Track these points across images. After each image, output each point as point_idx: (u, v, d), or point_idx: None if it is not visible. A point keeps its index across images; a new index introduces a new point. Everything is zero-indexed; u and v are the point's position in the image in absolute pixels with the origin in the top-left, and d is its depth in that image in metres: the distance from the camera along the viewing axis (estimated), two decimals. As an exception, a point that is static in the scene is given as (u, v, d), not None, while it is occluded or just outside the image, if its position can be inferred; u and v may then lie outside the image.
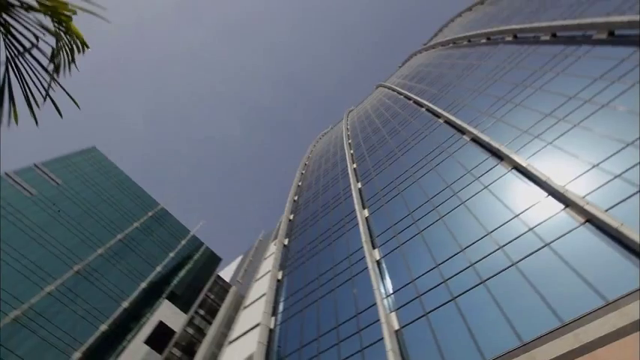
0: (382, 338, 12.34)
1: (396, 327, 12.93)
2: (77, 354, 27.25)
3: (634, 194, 10.01)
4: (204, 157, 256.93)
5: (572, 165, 12.46)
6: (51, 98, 4.00)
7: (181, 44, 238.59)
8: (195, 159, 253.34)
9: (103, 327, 30.33)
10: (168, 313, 36.85)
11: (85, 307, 30.20)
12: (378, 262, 16.86)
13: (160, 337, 34.40)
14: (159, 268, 40.01)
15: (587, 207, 10.38)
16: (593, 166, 11.71)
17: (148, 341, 32.86)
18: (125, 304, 33.40)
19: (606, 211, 10.07)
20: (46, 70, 3.93)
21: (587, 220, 10.53)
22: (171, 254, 43.23)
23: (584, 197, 10.88)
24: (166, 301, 37.83)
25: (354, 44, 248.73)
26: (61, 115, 4.46)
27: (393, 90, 42.80)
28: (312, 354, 15.43)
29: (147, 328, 33.63)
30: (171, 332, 35.81)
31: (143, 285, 36.54)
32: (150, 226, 43.69)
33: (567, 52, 18.34)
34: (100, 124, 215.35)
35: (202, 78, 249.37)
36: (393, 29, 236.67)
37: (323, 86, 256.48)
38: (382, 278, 15.72)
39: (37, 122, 3.95)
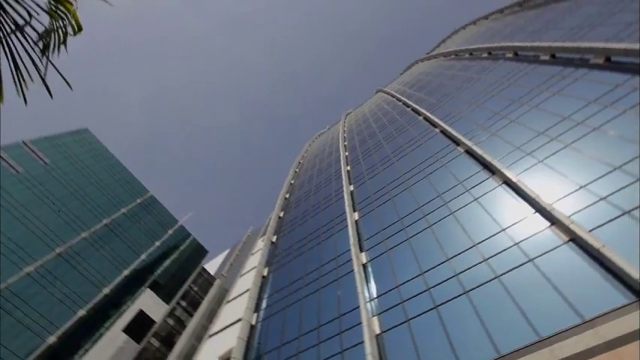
0: (363, 342, 12.40)
1: (377, 331, 13.00)
2: (52, 338, 26.73)
3: (617, 217, 10.26)
4: (199, 148, 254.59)
5: (561, 184, 12.71)
6: (42, 78, 3.90)
7: (183, 31, 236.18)
8: (189, 148, 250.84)
9: (82, 312, 29.80)
10: (149, 303, 36.40)
11: (64, 291, 29.65)
12: (365, 266, 16.93)
13: (140, 327, 33.95)
14: (143, 256, 39.50)
15: (571, 226, 10.59)
16: (581, 187, 11.96)
17: (127, 330, 32.40)
18: (106, 291, 32.88)
19: (590, 231, 10.30)
20: (40, 49, 3.84)
21: (571, 239, 10.75)
22: (157, 243, 42.72)
23: (569, 216, 11.11)
24: (148, 290, 37.36)
25: (357, 47, 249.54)
26: (51, 95, 4.36)
27: (393, 96, 43.04)
28: (291, 353, 15.42)
29: (126, 316, 33.17)
30: (151, 322, 35.39)
31: (126, 272, 36.02)
32: (137, 213, 43.10)
33: (565, 73, 18.69)
34: (94, 104, 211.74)
35: (202, 67, 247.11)
36: (398, 36, 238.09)
37: (323, 87, 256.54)
38: (367, 282, 15.79)
39: (25, 102, 3.85)
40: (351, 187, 26.39)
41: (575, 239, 10.62)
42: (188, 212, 51.91)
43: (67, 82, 4.66)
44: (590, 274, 9.64)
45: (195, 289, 44.86)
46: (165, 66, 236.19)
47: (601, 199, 11.10)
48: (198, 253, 48.98)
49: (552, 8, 28.78)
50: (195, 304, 43.00)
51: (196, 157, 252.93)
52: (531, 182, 13.58)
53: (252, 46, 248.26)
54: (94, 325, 30.53)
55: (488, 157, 16.15)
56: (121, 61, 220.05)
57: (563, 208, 11.60)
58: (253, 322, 20.00)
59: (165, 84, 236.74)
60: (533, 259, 11.11)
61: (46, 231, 31.74)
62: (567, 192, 12.20)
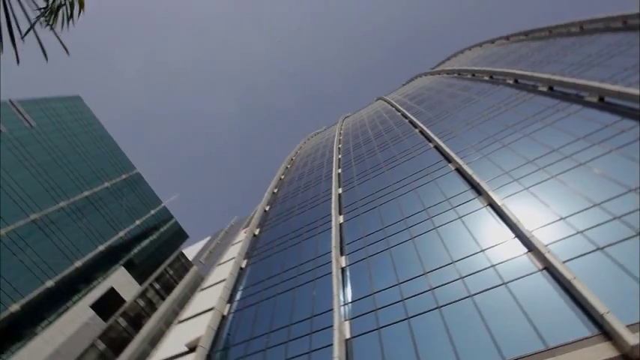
0: (332, 344, 12.46)
1: (348, 336, 13.09)
2: (15, 306, 25.92)
3: (591, 252, 10.63)
4: (192, 130, 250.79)
5: (542, 213, 13.07)
6: (38, 39, 3.80)
7: (191, 8, 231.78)
8: (182, 130, 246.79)
9: (50, 283, 28.99)
10: (121, 281, 35.69)
11: (33, 259, 28.77)
12: (343, 270, 17.02)
13: (109, 304, 33.25)
14: (121, 234, 38.69)
15: (547, 255, 10.91)
16: (561, 219, 12.33)
17: (95, 306, 31.70)
18: (78, 264, 32.06)
19: (564, 262, 10.62)
20: (40, 11, 3.74)
21: (545, 268, 11.07)
22: (138, 222, 41.91)
23: (546, 245, 11.43)
24: (122, 268, 36.64)
25: (364, 52, 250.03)
26: (46, 57, 4.24)
27: (392, 105, 43.38)
28: (259, 347, 15.38)
29: (96, 292, 32.45)
30: (121, 301, 34.70)
31: (101, 247, 35.21)
32: (121, 189, 42.20)
33: (560, 106, 19.22)
34: (89, 71, 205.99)
35: (205, 50, 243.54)
36: (405, 47, 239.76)
37: (324, 87, 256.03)
38: (344, 286, 15.88)
39: (18, 60, 3.74)
40: (340, 190, 26.48)
41: (549, 268, 10.94)
42: (173, 195, 51.11)
43: (64, 47, 4.53)
44: (559, 303, 9.94)
45: (171, 272, 44.23)
46: (167, 41, 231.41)
47: (578, 232, 11.47)
48: (179, 237, 48.26)
49: (555, 43, 29.55)
50: (168, 288, 42.38)
51: (189, 140, 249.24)
52: (514, 208, 13.91)
53: (259, 36, 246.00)
54: (61, 297, 29.73)
55: (477, 178, 16.46)
56: (123, 28, 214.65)
57: (542, 237, 11.93)
58: (225, 313, 19.84)
59: (165, 59, 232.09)
60: (507, 282, 11.38)
61: (23, 195, 30.75)
62: (547, 222, 12.55)
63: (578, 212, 12.17)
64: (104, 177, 40.83)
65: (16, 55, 3.82)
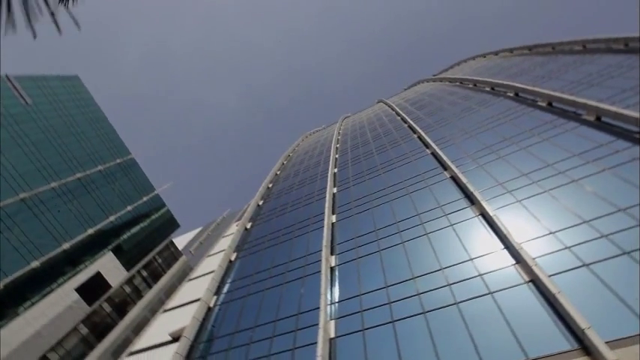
0: (316, 343, 12.50)
1: (332, 335, 13.14)
2: (-1, 284, 25.55)
3: (577, 267, 10.80)
4: (190, 119, 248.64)
5: (532, 226, 13.23)
6: (53, 15, 3.75)
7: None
8: (180, 118, 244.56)
9: (35, 263, 28.62)
10: (109, 266, 35.38)
11: (20, 239, 28.38)
12: (332, 269, 17.06)
13: (94, 289, 32.95)
14: (112, 218, 38.32)
15: (534, 268, 11.05)
16: (550, 233, 12.50)
17: (80, 290, 31.39)
18: (66, 246, 31.70)
19: (550, 276, 10.77)
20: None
21: (531, 280, 11.22)
22: (129, 207, 41.53)
23: (534, 258, 11.57)
24: (110, 253, 36.31)
25: (368, 54, 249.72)
26: (60, 31, 4.19)
27: (393, 109, 43.49)
28: (244, 341, 15.37)
29: (82, 276, 32.13)
30: (107, 286, 34.42)
31: (90, 231, 34.84)
32: (114, 174, 41.77)
33: (557, 122, 19.44)
34: (90, 51, 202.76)
35: (211, 39, 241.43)
36: (410, 52, 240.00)
37: (326, 86, 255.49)
38: (332, 285, 15.93)
39: (35, 35, 3.69)
40: (335, 190, 26.51)
41: (535, 281, 11.09)
42: (167, 182, 50.71)
43: (75, 23, 4.47)
44: (543, 316, 10.09)
45: (159, 261, 43.96)
46: (172, 25, 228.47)
47: (566, 247, 11.64)
48: (170, 225, 47.93)
49: (558, 59, 29.84)
50: (156, 276, 42.13)
51: (187, 130, 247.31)
52: (506, 219, 14.06)
53: (266, 30, 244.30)
54: (46, 279, 29.38)
55: (471, 187, 16.59)
56: (128, 9, 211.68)
57: (530, 250, 12.08)
58: (211, 305, 19.79)
59: (168, 44, 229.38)
60: (493, 292, 11.51)
61: (14, 174, 30.29)
62: (537, 235, 12.71)
63: (567, 228, 12.35)
64: (98, 160, 40.36)
65: (33, 31, 3.78)
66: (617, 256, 10.55)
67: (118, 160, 43.23)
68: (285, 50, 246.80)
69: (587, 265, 10.75)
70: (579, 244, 11.52)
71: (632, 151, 14.34)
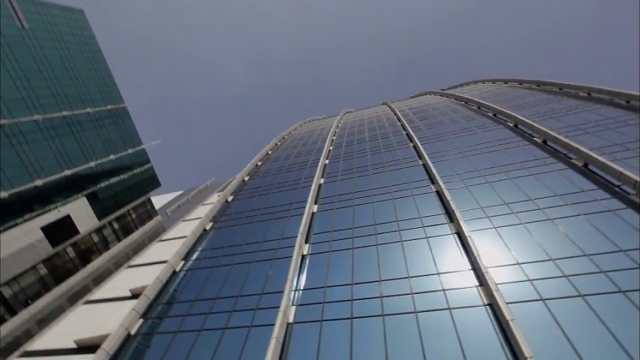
0: (273, 324, 12.69)
1: (291, 320, 13.36)
2: (-39, 207, 24.64)
3: (534, 300, 11.30)
4: (191, 79, 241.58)
5: (502, 254, 13.69)
6: None
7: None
8: (181, 76, 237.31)
9: (3, 194, 27.69)
10: (80, 212, 34.61)
11: (-7, 165, 27.32)
12: (304, 257, 17.23)
13: (61, 231, 32.24)
14: (92, 164, 37.32)
15: (495, 293, 11.48)
16: (517, 263, 12.99)
17: (46, 229, 30.66)
18: (39, 182, 30.75)
19: (507, 303, 11.22)
20: None
21: (489, 304, 11.67)
22: (112, 157, 40.51)
23: (497, 284, 12.01)
24: (84, 198, 35.49)
25: (387, 52, 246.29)
26: None
27: (395, 114, 43.61)
28: (202, 310, 15.44)
29: (50, 216, 31.34)
30: (75, 231, 33.74)
31: (67, 172, 33.87)
32: (103, 119, 40.49)
33: (547, 161, 19.99)
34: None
35: (224, 5, 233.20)
36: (426, 62, 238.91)
37: (337, 76, 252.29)
38: (300, 272, 16.11)
39: None
40: (322, 180, 26.58)
41: (493, 305, 11.54)
42: (156, 139, 49.60)
43: None
44: (493, 339, 10.53)
45: (134, 216, 43.30)
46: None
47: (528, 280, 12.13)
48: (150, 183, 47.09)
49: (561, 101, 30.47)
50: (127, 231, 41.53)
51: (186, 86, 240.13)
52: (479, 242, 14.49)
53: (284, 3, 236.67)
54: (12, 211, 28.51)
55: (453, 205, 16.95)
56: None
57: (495, 275, 12.52)
58: (177, 269, 19.72)
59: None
60: (452, 308, 11.92)
61: (-3, 96, 28.93)
62: (504, 263, 13.18)
63: (533, 262, 12.86)
64: (88, 102, 38.99)
65: None
66: (572, 296, 11.08)
67: (110, 107, 41.89)
68: (304, 28, 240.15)
69: (544, 299, 11.25)
70: (541, 278, 12.02)
71: (609, 203, 14.94)
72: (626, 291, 10.79)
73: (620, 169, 15.93)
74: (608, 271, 11.63)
